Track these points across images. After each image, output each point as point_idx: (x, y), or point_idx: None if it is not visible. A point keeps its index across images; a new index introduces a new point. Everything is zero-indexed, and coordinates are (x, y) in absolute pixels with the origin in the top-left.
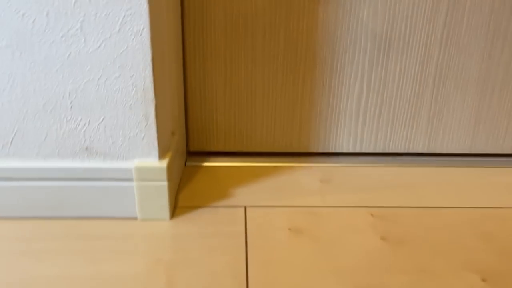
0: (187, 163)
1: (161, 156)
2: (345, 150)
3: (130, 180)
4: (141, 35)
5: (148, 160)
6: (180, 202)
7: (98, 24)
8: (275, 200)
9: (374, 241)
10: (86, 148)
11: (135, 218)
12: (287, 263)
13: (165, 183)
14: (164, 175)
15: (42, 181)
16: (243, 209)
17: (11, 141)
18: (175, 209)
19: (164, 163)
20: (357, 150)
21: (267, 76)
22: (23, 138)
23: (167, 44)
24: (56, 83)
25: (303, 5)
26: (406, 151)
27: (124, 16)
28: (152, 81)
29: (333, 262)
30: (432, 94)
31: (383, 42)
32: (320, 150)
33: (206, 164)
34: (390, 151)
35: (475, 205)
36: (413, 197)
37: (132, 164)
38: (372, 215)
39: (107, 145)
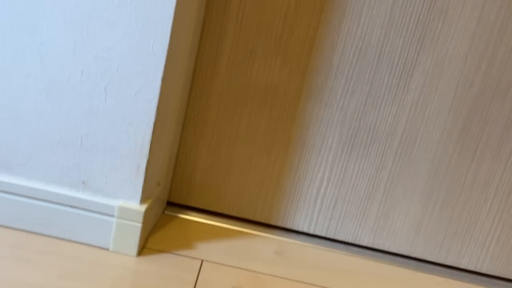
0: (165, 211)
1: (142, 201)
2: (300, 229)
3: (111, 216)
4: (150, 103)
5: (130, 202)
6: (149, 243)
7: (119, 89)
8: (229, 260)
9: None
10: (83, 181)
11: (107, 249)
12: None
13: (140, 225)
14: (141, 218)
15: (40, 201)
16: (199, 262)
17: (25, 164)
18: (143, 249)
19: (143, 208)
20: (311, 231)
21: (245, 153)
22: (35, 164)
23: (171, 111)
24: (74, 126)
25: (285, 102)
26: (353, 242)
27: (140, 86)
28: (149, 140)
29: None
30: (382, 197)
31: (347, 145)
32: (279, 224)
33: (180, 215)
34: (340, 238)
35: None
36: (349, 284)
37: (117, 203)
38: None
39: (100, 183)
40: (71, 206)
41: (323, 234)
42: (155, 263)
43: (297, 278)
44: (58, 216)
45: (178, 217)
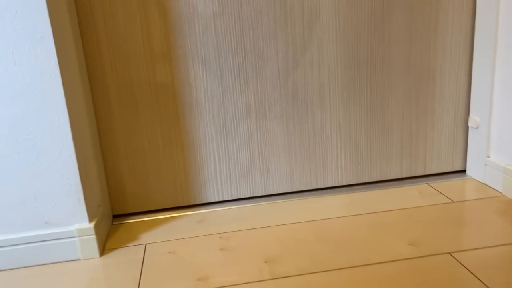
0: (113, 223)
1: (90, 220)
2: (212, 200)
3: (73, 237)
4: (71, 156)
5: (82, 224)
6: (106, 246)
7: (46, 156)
8: (165, 237)
9: (214, 252)
10: (46, 222)
11: (79, 259)
12: (165, 271)
13: (94, 236)
14: (93, 231)
15: (20, 245)
16: (144, 246)
17: (1, 222)
18: (103, 251)
19: (92, 225)
20: (220, 199)
21: (154, 160)
22: (7, 220)
23: (89, 152)
24: (26, 189)
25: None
26: (251, 195)
27: (60, 149)
28: (79, 179)
29: (189, 267)
30: (259, 157)
31: (221, 133)
32: (197, 202)
33: (124, 222)
34: (241, 196)
35: (295, 221)
36: (250, 223)
37: (74, 227)
38: (220, 237)
39: (58, 219)
40: (44, 241)
41: (229, 198)
42: (113, 256)
43: (214, 232)
44: (39, 249)
45: (123, 223)
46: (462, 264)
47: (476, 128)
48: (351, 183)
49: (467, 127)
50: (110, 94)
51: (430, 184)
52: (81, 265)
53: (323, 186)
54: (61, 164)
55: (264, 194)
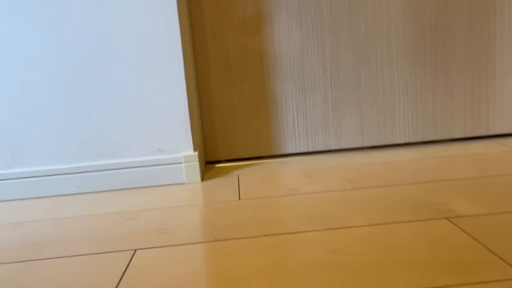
0: (206, 166)
1: (195, 150)
2: (290, 152)
3: (180, 163)
4: (182, 93)
5: (188, 152)
6: (204, 177)
7: (165, 92)
8: (253, 172)
9: (300, 179)
10: (159, 149)
11: (183, 183)
12: (260, 187)
13: (197, 163)
14: (197, 159)
15: (139, 168)
16: (237, 177)
17: (126, 149)
18: (203, 179)
19: (196, 153)
20: (297, 151)
21: (242, 114)
22: (130, 148)
23: (194, 97)
24: (146, 118)
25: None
26: (325, 149)
27: (175, 87)
28: (188, 113)
29: (280, 184)
30: (333, 114)
31: (300, 92)
32: (277, 153)
33: (216, 166)
34: (317, 149)
35: (367, 162)
36: (327, 164)
37: (181, 154)
38: (302, 170)
39: (169, 147)
40: (157, 165)
41: (305, 150)
42: (213, 182)
43: (297, 168)
44: (151, 172)
45: (214, 166)
46: None
47: None
48: (417, 140)
49: None
50: (209, 54)
51: (494, 141)
52: (187, 186)
53: (389, 143)
54: (175, 99)
55: (336, 148)
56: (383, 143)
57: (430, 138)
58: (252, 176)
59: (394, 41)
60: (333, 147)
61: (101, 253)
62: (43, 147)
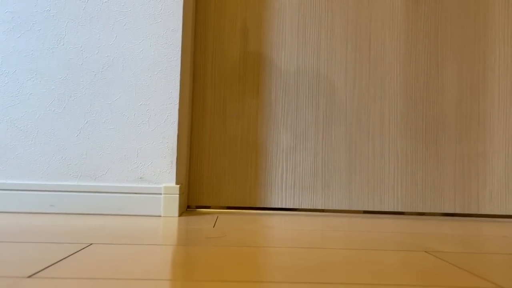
0: (187, 209)
1: (177, 183)
2: (275, 206)
3: (160, 194)
4: (173, 124)
5: (170, 183)
6: (183, 214)
7: (155, 120)
8: (234, 215)
9: (281, 220)
10: (141, 177)
11: (159, 216)
12: (233, 223)
13: (177, 196)
14: (177, 191)
15: (116, 194)
16: (216, 216)
17: (106, 173)
18: (182, 214)
19: (177, 186)
20: (283, 206)
21: (231, 161)
22: (112, 172)
23: (185, 131)
24: (132, 146)
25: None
26: (311, 208)
27: (167, 116)
28: (176, 144)
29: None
30: (322, 173)
31: (292, 146)
32: (262, 206)
33: (197, 210)
34: (302, 207)
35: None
36: (312, 226)
37: (162, 185)
38: (285, 219)
39: (151, 176)
40: (136, 193)
41: (291, 207)
42: (191, 218)
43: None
44: (129, 200)
45: (195, 210)
46: None
47: None
48: (405, 211)
49: None
50: (207, 100)
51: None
52: (162, 220)
53: (378, 210)
54: (165, 128)
55: (322, 208)
56: (370, 208)
57: (419, 209)
58: (233, 216)
59: (387, 109)
60: (319, 207)
61: (57, 242)
62: (25, 161)
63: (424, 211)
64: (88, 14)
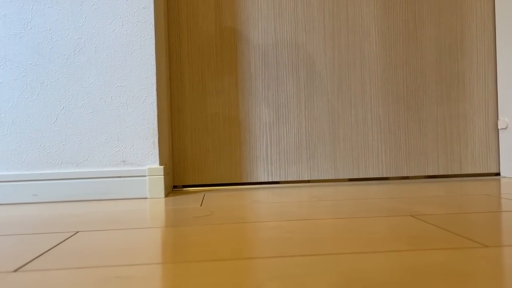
0: (173, 190)
1: (160, 164)
2: (261, 180)
3: (144, 176)
4: (152, 104)
5: (154, 165)
6: (170, 194)
7: (133, 101)
8: (219, 194)
9: (269, 195)
10: (123, 160)
11: (146, 198)
12: (220, 201)
13: (162, 177)
14: (162, 172)
15: (99, 179)
16: (203, 194)
17: (87, 159)
18: (168, 195)
19: (161, 167)
20: (269, 180)
21: (215, 141)
22: (93, 157)
23: (165, 110)
24: (112, 128)
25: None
26: (297, 179)
27: (145, 96)
28: (156, 125)
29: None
30: (307, 144)
31: (273, 118)
32: (248, 181)
33: (183, 189)
34: (289, 179)
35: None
36: (299, 198)
37: (146, 167)
38: (272, 192)
39: (134, 159)
40: (119, 177)
41: (277, 180)
42: (178, 198)
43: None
44: (113, 184)
45: (181, 190)
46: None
47: (505, 128)
48: (388, 176)
49: (498, 129)
50: (185, 78)
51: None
52: (148, 201)
53: (363, 176)
54: (144, 109)
55: (308, 179)
56: (356, 176)
57: (404, 173)
58: (219, 193)
59: (367, 76)
60: (305, 178)
61: (42, 233)
62: (2, 151)
63: (408, 175)
64: None
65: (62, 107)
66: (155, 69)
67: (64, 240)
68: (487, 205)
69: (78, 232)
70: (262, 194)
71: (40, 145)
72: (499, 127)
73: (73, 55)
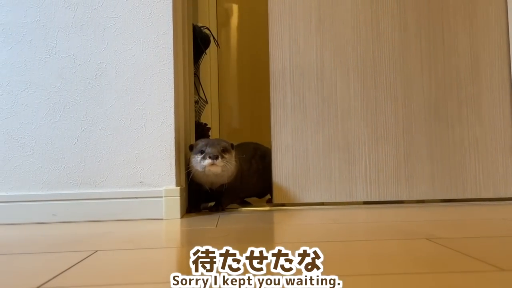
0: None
1: (177, 185)
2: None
3: (161, 197)
4: (170, 126)
5: (170, 186)
6: (185, 216)
7: (152, 123)
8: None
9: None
10: (141, 182)
11: (161, 218)
12: (236, 219)
13: (178, 198)
14: (178, 193)
15: (118, 199)
16: (218, 216)
17: (106, 180)
18: (183, 216)
19: (178, 188)
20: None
21: None
22: (111, 178)
23: (182, 135)
24: (130, 150)
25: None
26: (395, 199)
27: (163, 119)
28: (174, 147)
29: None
30: (405, 165)
31: (374, 142)
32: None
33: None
34: (386, 199)
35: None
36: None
37: (163, 188)
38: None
39: (151, 180)
40: (137, 198)
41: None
42: (193, 219)
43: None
44: (130, 205)
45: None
46: None
47: None
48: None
49: None
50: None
51: None
52: (164, 222)
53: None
54: (161, 131)
55: (406, 199)
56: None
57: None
58: (234, 215)
59: None
60: (404, 198)
61: (62, 252)
62: (24, 172)
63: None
64: (78, 22)
65: (82, 129)
66: (173, 92)
67: (84, 259)
68: (505, 229)
69: (97, 251)
70: (278, 216)
71: (61, 166)
72: None
73: (94, 79)
